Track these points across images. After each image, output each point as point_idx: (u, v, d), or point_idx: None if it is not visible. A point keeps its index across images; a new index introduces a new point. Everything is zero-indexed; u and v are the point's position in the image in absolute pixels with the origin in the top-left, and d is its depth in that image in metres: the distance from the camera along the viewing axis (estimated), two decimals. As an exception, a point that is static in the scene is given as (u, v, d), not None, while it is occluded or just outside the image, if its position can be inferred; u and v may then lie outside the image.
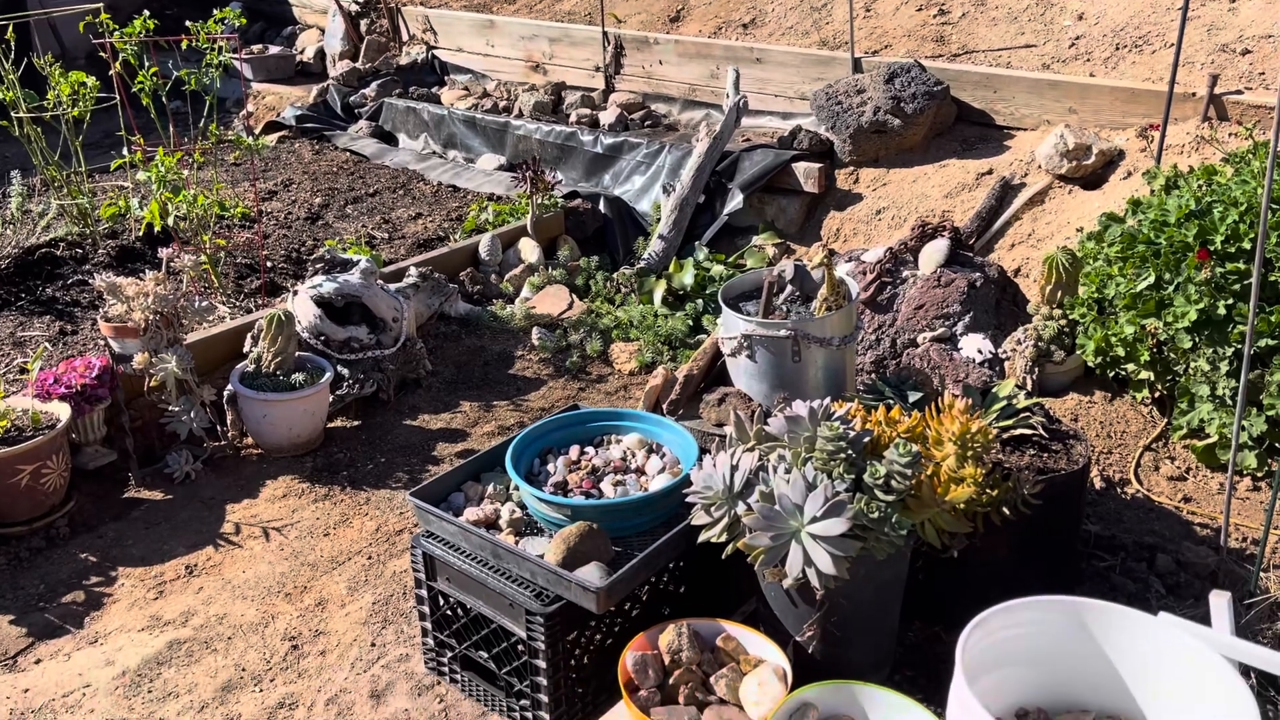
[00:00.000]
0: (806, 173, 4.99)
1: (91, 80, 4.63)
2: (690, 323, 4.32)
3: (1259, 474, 3.03)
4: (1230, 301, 2.95)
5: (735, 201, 5.05)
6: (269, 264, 4.71)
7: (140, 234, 4.78)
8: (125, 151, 4.37)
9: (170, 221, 4.18)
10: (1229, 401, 2.99)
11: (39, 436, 3.10)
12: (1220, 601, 1.70)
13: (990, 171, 4.68)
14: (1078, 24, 5.19)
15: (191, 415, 3.50)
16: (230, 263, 4.64)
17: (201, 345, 3.74)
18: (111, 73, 4.27)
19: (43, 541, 3.13)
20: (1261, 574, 2.47)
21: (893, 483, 2.05)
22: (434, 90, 7.06)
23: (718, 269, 4.70)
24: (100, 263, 4.60)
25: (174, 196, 4.10)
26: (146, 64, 4.25)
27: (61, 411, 3.22)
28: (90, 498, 3.34)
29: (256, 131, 6.94)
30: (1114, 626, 1.71)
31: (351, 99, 7.13)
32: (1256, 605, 2.39)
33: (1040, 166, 4.52)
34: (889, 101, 4.86)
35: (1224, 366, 2.99)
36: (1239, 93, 4.25)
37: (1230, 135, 4.11)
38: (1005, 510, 2.27)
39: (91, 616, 2.85)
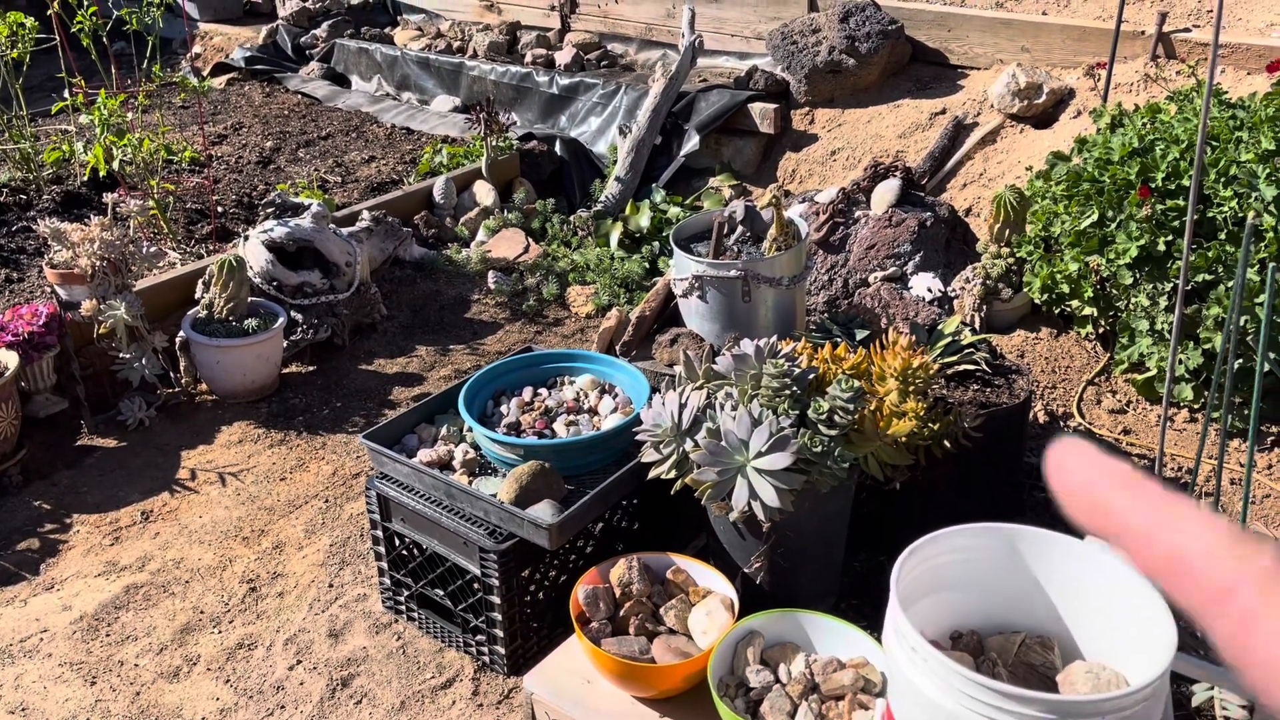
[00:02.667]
0: (763, 113, 4.98)
1: (30, 21, 4.50)
2: (647, 265, 4.33)
3: (1195, 406, 3.12)
4: (1170, 238, 3.01)
5: (692, 143, 5.04)
6: (219, 209, 4.65)
7: (86, 179, 4.69)
8: (66, 94, 4.27)
9: (116, 166, 4.10)
10: (1168, 336, 3.07)
11: (-13, 385, 3.07)
12: None
13: (944, 111, 4.70)
14: (1032, -38, 5.18)
15: (143, 362, 3.47)
16: (180, 208, 4.58)
17: (152, 292, 3.70)
18: (50, 12, 4.15)
19: (-5, 490, 3.12)
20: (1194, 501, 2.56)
21: (835, 417, 2.09)
22: (387, 31, 6.93)
23: (674, 211, 4.71)
24: (45, 209, 4.51)
25: (118, 140, 4.02)
26: (85, 3, 4.14)
27: (9, 359, 3.19)
28: (42, 446, 3.32)
29: (205, 73, 6.79)
30: (1043, 551, 1.78)
31: (302, 40, 6.99)
32: (1187, 531, 2.48)
33: (993, 106, 4.55)
34: (844, 41, 4.85)
35: (1163, 302, 3.06)
36: (1187, 30, 4.29)
37: (1177, 73, 4.16)
38: (947, 443, 2.32)
39: (47, 563, 2.85)
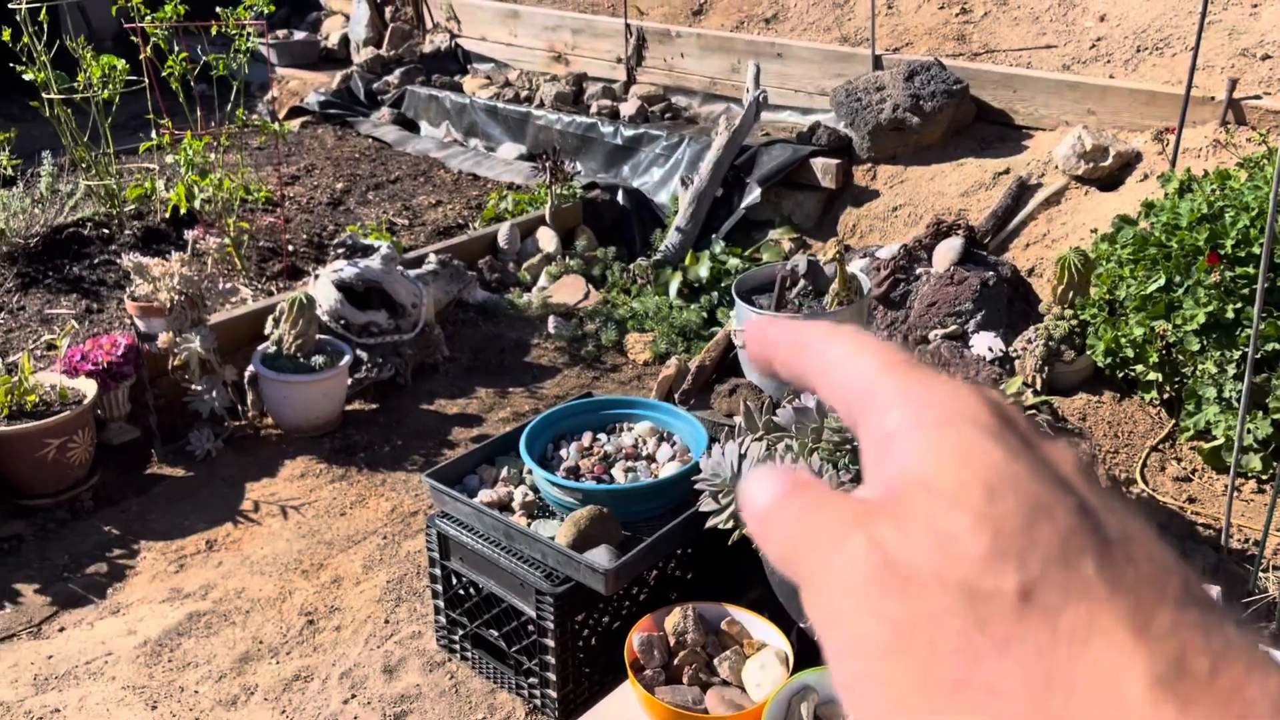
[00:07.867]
0: (824, 168, 5.02)
1: (121, 63, 4.70)
2: (705, 315, 4.37)
3: (1264, 476, 3.06)
4: (1239, 305, 2.98)
5: (753, 196, 5.09)
6: (291, 248, 4.78)
7: (166, 216, 4.86)
8: (154, 134, 4.44)
9: (196, 204, 4.25)
10: (1236, 404, 3.02)
11: (66, 411, 3.18)
12: (1210, 594, 1.74)
13: (1007, 171, 4.70)
14: (1099, 25, 5.20)
15: (213, 395, 3.57)
16: (253, 246, 4.72)
17: (224, 326, 3.81)
18: (142, 57, 4.34)
19: (68, 514, 3.22)
20: (1261, 574, 2.51)
21: (897, 475, 2.09)
22: (456, 79, 7.12)
23: (733, 262, 4.74)
24: (126, 243, 4.68)
25: (201, 180, 4.17)
26: (176, 49, 4.32)
27: (88, 388, 3.30)
28: (114, 472, 3.42)
29: (281, 116, 7.02)
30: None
31: (374, 86, 7.20)
32: (1255, 604, 2.43)
33: (1057, 167, 4.54)
34: (908, 99, 4.89)
35: (1231, 369, 3.02)
36: (1258, 98, 4.26)
37: (1247, 140, 4.13)
38: (1008, 505, 2.31)
39: (114, 587, 2.93)
